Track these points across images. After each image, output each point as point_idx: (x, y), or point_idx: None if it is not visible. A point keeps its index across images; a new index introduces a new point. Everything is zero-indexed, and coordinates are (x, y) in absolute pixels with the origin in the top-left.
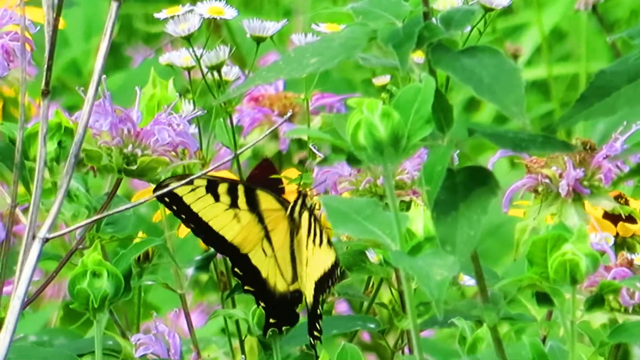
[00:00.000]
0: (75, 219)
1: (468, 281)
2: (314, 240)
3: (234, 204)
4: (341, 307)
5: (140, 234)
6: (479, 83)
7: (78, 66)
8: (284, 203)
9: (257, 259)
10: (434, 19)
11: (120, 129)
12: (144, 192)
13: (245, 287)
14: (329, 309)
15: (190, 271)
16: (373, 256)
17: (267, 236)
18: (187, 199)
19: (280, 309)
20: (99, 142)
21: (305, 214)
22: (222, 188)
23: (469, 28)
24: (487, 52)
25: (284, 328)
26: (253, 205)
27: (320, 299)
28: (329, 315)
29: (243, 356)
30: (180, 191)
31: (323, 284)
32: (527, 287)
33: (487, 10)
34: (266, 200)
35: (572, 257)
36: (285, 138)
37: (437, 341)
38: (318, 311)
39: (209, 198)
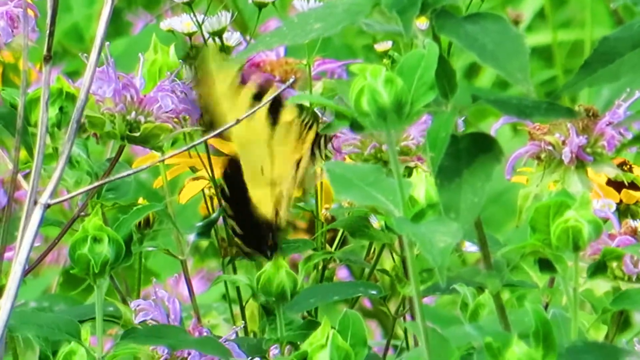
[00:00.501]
0: (77, 186)
1: (470, 247)
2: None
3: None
4: (342, 274)
5: (140, 200)
6: (482, 49)
7: (80, 31)
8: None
9: (250, 174)
10: None
11: (123, 96)
12: (145, 158)
13: (224, 207)
14: (330, 275)
15: (191, 237)
16: (375, 222)
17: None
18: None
19: (255, 235)
20: (102, 108)
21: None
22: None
23: None
24: (490, 18)
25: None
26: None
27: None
28: (330, 282)
29: (244, 322)
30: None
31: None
32: (530, 254)
33: None
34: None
35: (575, 224)
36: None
37: (438, 308)
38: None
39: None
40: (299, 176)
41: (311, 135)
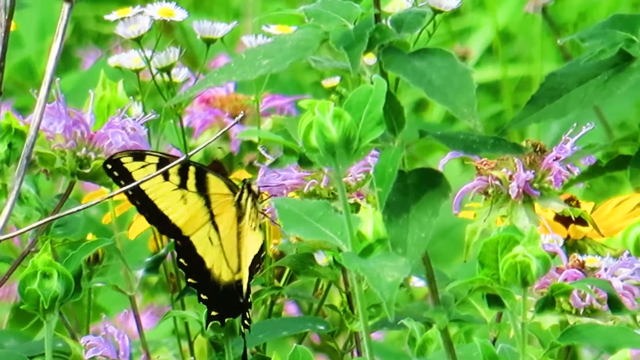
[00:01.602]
0: (27, 221)
1: (417, 283)
2: (251, 225)
3: (182, 185)
4: (290, 309)
5: (90, 235)
6: (429, 85)
7: (31, 66)
8: (233, 189)
9: (203, 249)
10: (385, 21)
11: (73, 132)
12: (95, 194)
13: (189, 280)
14: (278, 310)
15: (140, 273)
16: (322, 258)
17: (213, 222)
18: (137, 175)
19: (224, 300)
20: (53, 145)
21: (250, 200)
22: (173, 168)
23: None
24: (439, 54)
25: (227, 321)
26: (202, 187)
27: (250, 283)
28: (278, 317)
29: (192, 358)
30: (130, 167)
31: (252, 268)
32: (478, 289)
33: (437, 12)
34: (216, 184)
35: (523, 259)
36: (237, 139)
37: (385, 344)
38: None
39: (158, 176)
40: (245, 230)
41: (244, 195)
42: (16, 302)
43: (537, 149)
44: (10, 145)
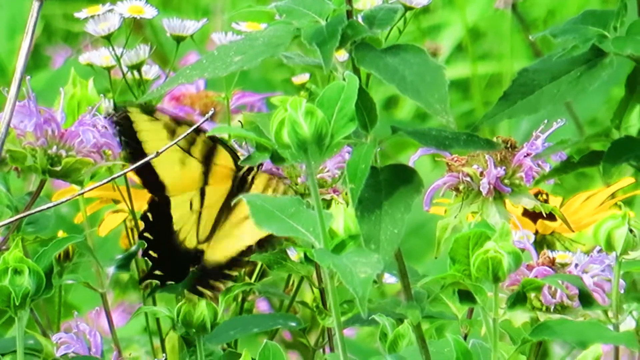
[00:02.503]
0: None
1: (388, 279)
2: None
3: (187, 150)
4: (262, 306)
5: (60, 233)
6: (402, 81)
7: (1, 65)
8: (238, 165)
9: (178, 211)
10: (356, 18)
11: (44, 130)
12: (64, 191)
13: (145, 234)
14: (249, 307)
15: (111, 270)
16: (294, 254)
17: (202, 190)
18: (139, 126)
19: (176, 263)
20: (24, 142)
21: (263, 177)
22: (183, 129)
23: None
24: (411, 50)
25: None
26: (208, 156)
27: (241, 261)
28: (250, 314)
29: (164, 355)
30: (135, 116)
31: (247, 252)
32: (450, 285)
33: (408, 9)
34: (224, 158)
35: (495, 255)
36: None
37: (357, 340)
38: (227, 272)
39: (163, 133)
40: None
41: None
42: None
43: (508, 145)
44: None
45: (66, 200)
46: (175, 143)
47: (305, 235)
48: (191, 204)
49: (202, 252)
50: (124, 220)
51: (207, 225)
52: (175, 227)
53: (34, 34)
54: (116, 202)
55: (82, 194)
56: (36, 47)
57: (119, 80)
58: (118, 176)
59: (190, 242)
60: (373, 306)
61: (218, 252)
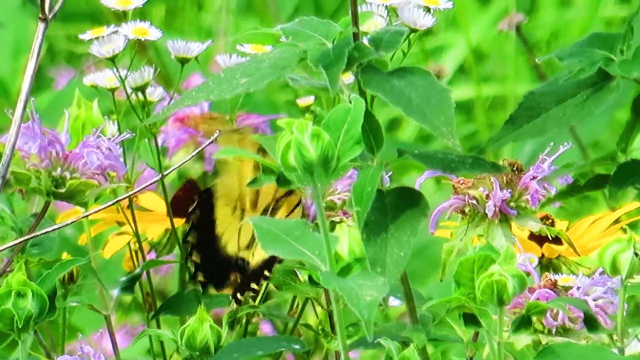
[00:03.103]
0: (2, 241)
1: (392, 302)
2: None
3: None
4: (265, 328)
5: (65, 255)
6: (408, 104)
7: (6, 86)
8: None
9: (221, 214)
10: (363, 40)
11: (48, 152)
12: (68, 213)
13: (188, 238)
14: (253, 330)
15: (115, 292)
16: (301, 275)
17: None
18: None
19: (216, 269)
20: (28, 164)
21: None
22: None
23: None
24: (417, 73)
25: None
26: None
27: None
28: (253, 336)
29: None
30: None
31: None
32: (455, 308)
33: (413, 30)
34: None
35: (500, 278)
36: (212, 159)
37: None
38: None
39: None
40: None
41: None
42: None
43: (514, 168)
44: None
45: (71, 223)
46: (181, 165)
47: (311, 258)
48: (234, 209)
49: (242, 260)
50: (128, 243)
51: (248, 233)
52: (218, 231)
53: (39, 56)
54: (120, 224)
55: (87, 216)
56: (39, 68)
57: (123, 101)
58: (123, 198)
59: (232, 249)
60: (378, 329)
61: (257, 255)
